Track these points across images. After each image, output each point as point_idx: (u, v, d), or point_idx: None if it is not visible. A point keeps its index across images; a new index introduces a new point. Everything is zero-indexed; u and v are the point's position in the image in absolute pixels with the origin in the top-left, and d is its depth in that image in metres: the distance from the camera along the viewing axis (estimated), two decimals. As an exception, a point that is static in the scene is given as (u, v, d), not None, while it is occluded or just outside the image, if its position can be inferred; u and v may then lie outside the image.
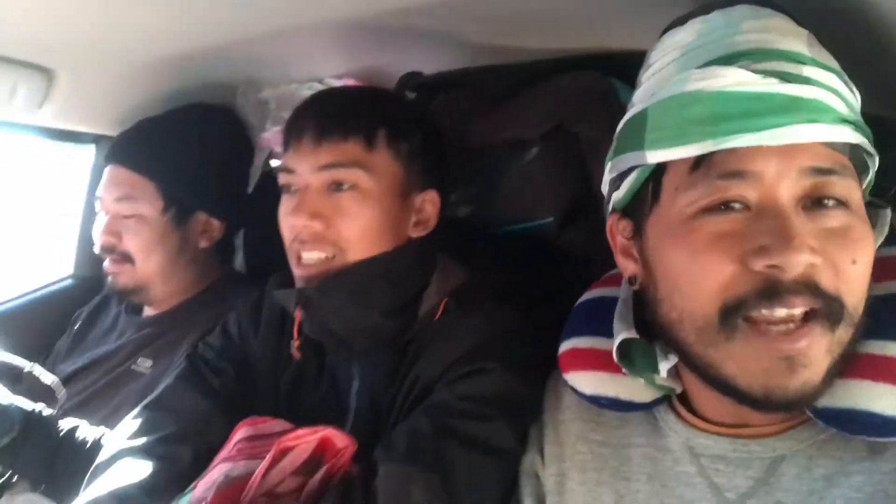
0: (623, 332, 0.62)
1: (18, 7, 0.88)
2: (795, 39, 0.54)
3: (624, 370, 0.63)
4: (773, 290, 0.50)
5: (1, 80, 1.07)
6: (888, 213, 0.57)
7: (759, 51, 0.53)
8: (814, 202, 0.51)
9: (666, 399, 0.65)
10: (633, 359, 0.62)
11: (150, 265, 1.10)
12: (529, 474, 0.71)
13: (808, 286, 0.49)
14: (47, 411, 0.92)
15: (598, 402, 0.67)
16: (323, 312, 0.80)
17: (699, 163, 0.53)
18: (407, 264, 0.81)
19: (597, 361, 0.66)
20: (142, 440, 0.81)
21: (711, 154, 0.52)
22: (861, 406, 0.52)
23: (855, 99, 0.55)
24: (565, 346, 0.70)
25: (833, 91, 0.52)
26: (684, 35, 0.59)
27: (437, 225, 0.85)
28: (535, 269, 0.91)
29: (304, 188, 0.79)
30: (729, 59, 0.53)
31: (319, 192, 0.79)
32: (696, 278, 0.53)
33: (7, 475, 0.91)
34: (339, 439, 0.71)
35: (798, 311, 0.50)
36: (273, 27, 1.00)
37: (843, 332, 0.51)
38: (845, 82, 0.54)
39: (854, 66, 0.56)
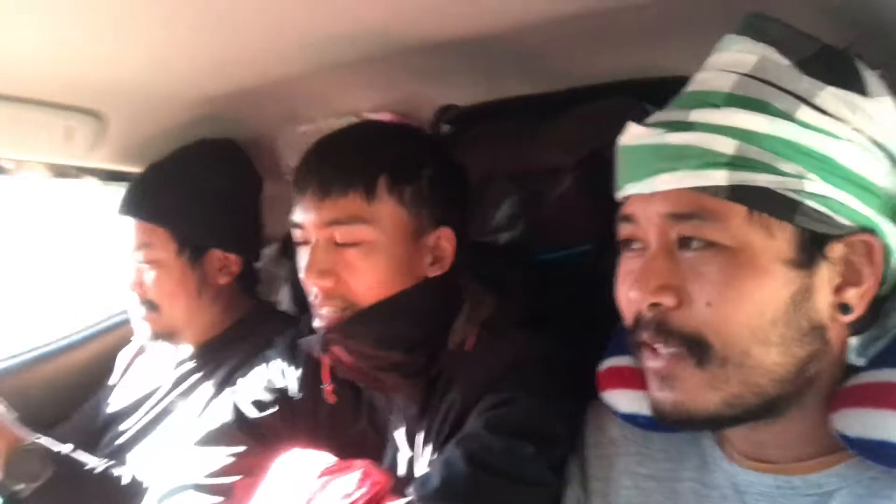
0: None
1: (68, 54, 0.92)
2: (729, 75, 0.55)
3: None
4: (636, 322, 0.57)
5: (57, 125, 1.13)
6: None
7: (690, 94, 0.58)
8: (684, 243, 0.55)
9: None
10: None
11: (175, 310, 1.12)
12: (573, 510, 0.69)
13: (658, 324, 0.55)
14: (78, 452, 0.94)
15: (635, 420, 0.65)
16: (347, 355, 0.80)
17: None
18: (428, 300, 0.80)
19: (635, 380, 0.64)
20: (193, 477, 0.84)
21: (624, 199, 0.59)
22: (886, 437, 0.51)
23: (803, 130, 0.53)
24: (604, 365, 0.69)
25: (725, 131, 0.52)
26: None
27: (464, 256, 0.84)
28: (570, 297, 0.90)
29: (314, 244, 0.78)
30: (677, 103, 0.58)
31: (326, 247, 0.78)
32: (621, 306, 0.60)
33: None
34: (376, 473, 0.71)
35: (654, 344, 0.55)
36: (312, 64, 1.03)
37: (731, 372, 0.53)
38: (784, 115, 0.52)
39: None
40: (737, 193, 0.52)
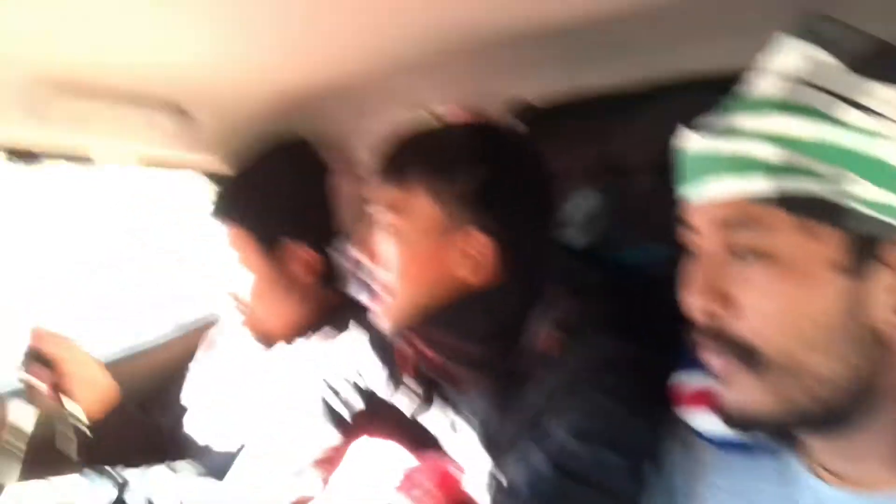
0: None
1: (156, 49, 0.96)
2: (777, 79, 0.54)
3: None
4: (694, 323, 0.57)
5: (142, 119, 1.18)
6: None
7: (740, 98, 0.58)
8: (733, 251, 0.55)
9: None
10: None
11: (265, 310, 1.16)
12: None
13: (710, 330, 0.55)
14: None
15: (713, 441, 0.64)
16: (428, 344, 0.82)
17: None
18: (505, 298, 0.80)
19: (710, 399, 0.62)
20: (277, 460, 0.89)
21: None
22: None
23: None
24: (679, 380, 0.67)
25: (771, 138, 0.52)
26: None
27: (541, 256, 0.83)
28: (648, 299, 0.88)
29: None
30: (729, 106, 0.58)
31: (376, 230, 0.84)
32: None
33: None
34: (453, 467, 0.71)
35: (709, 347, 0.56)
36: (387, 61, 1.04)
37: (784, 379, 0.52)
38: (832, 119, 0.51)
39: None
40: (783, 201, 0.51)
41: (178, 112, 1.21)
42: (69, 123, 1.09)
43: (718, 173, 0.54)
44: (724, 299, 0.54)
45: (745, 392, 0.54)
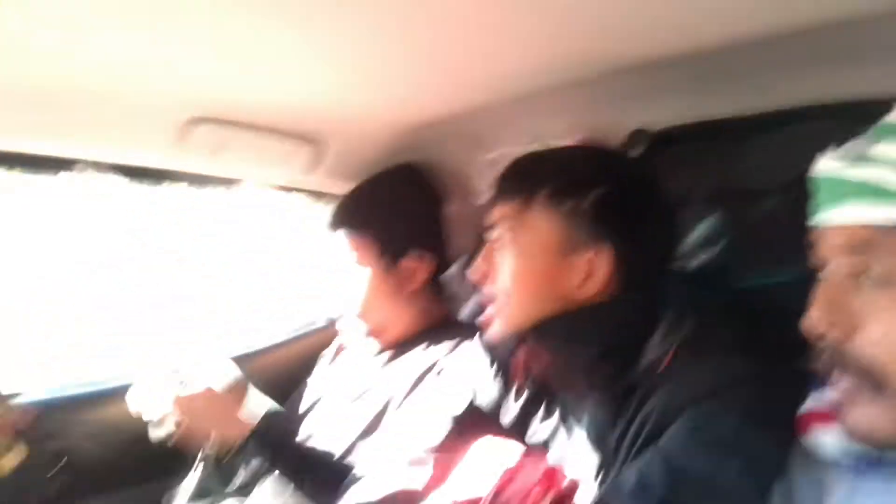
0: None
1: (292, 86, 1.06)
2: None
3: None
4: (819, 347, 0.58)
5: (279, 151, 1.30)
6: None
7: (881, 126, 0.58)
8: (857, 276, 0.56)
9: None
10: None
11: (378, 311, 1.24)
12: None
13: (833, 353, 0.57)
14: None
15: (842, 462, 0.61)
16: (542, 352, 0.84)
17: None
18: (623, 313, 0.81)
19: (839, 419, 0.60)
20: (397, 455, 0.93)
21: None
22: None
23: None
24: (810, 404, 0.65)
25: None
26: None
27: (655, 273, 0.84)
28: (773, 326, 0.84)
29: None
30: (868, 134, 0.58)
31: (489, 249, 0.87)
32: None
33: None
34: (563, 473, 0.72)
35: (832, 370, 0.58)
36: (505, 93, 1.08)
37: None
38: None
39: None
40: None
41: (313, 144, 1.32)
42: (214, 154, 1.21)
43: (847, 199, 0.56)
44: (848, 322, 0.56)
45: (869, 413, 0.55)
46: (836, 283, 0.57)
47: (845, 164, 0.57)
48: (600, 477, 0.77)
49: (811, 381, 0.66)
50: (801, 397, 0.66)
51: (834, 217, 0.57)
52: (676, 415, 0.71)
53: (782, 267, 0.85)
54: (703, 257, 0.93)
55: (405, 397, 1.12)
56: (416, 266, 1.26)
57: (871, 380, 0.54)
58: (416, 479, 0.87)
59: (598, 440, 0.80)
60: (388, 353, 1.26)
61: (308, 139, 1.31)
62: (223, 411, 1.17)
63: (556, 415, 0.87)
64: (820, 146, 0.84)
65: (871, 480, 0.60)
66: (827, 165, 0.59)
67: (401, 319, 1.26)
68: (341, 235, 1.27)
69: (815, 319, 0.57)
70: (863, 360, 0.55)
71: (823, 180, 0.59)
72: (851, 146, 0.58)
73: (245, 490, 1.21)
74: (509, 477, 0.73)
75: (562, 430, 0.85)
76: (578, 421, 0.83)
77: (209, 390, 1.18)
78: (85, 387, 1.38)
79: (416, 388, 1.12)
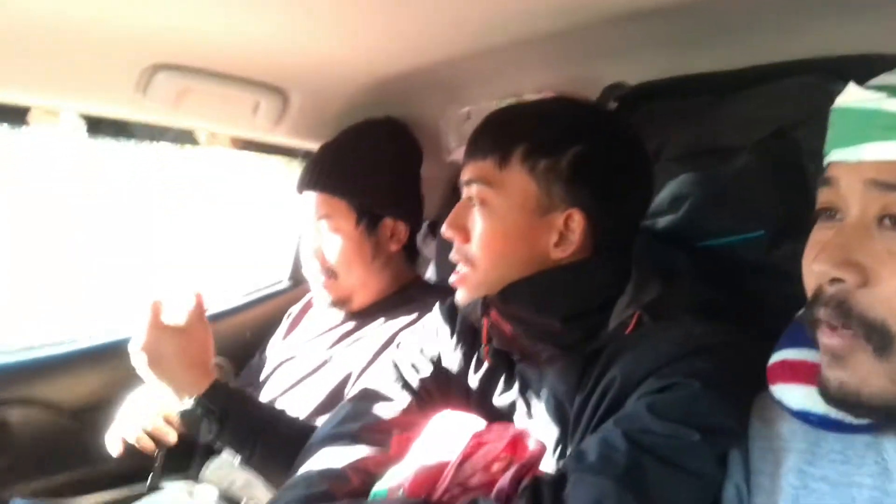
0: None
1: (258, 33, 1.02)
2: None
3: None
4: (816, 296, 0.54)
5: (246, 100, 1.26)
6: None
7: None
8: (884, 220, 0.51)
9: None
10: None
11: (351, 275, 1.21)
12: (733, 504, 0.66)
13: (838, 303, 0.51)
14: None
15: (805, 418, 0.60)
16: (505, 321, 0.82)
17: None
18: (591, 276, 0.80)
19: (809, 375, 0.59)
20: (350, 426, 0.89)
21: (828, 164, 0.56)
22: None
23: None
24: (776, 358, 0.64)
25: None
26: None
27: (628, 234, 0.83)
28: (739, 286, 0.86)
29: (461, 200, 0.85)
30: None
31: (465, 204, 0.84)
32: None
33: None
34: (530, 441, 0.72)
35: (831, 323, 0.52)
36: (479, 45, 1.05)
37: None
38: None
39: None
40: None
41: (279, 95, 1.27)
42: (177, 104, 1.17)
43: (884, 134, 0.50)
44: (860, 270, 0.50)
45: (864, 372, 0.51)
46: (854, 225, 0.52)
47: (884, 94, 0.51)
48: (559, 451, 0.77)
49: (789, 333, 0.65)
50: (764, 363, 0.65)
51: (866, 152, 0.51)
52: (638, 384, 0.71)
53: (751, 227, 0.86)
54: (669, 217, 0.91)
55: (364, 370, 1.10)
56: (395, 229, 1.23)
57: (877, 336, 0.50)
58: (376, 450, 0.85)
59: (558, 412, 0.79)
60: (349, 325, 1.23)
61: (272, 88, 1.26)
62: (197, 347, 1.05)
63: (516, 388, 0.86)
64: (801, 103, 0.85)
65: (829, 444, 0.60)
66: (860, 95, 0.53)
67: (374, 283, 1.23)
68: (313, 197, 1.22)
69: (821, 264, 0.52)
70: (871, 314, 0.50)
71: (850, 111, 0.53)
72: (887, 77, 0.53)
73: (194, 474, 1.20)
74: (476, 442, 0.73)
75: (521, 404, 0.84)
76: (538, 394, 0.83)
77: (188, 322, 1.06)
78: (27, 352, 1.31)
79: (376, 361, 1.11)
